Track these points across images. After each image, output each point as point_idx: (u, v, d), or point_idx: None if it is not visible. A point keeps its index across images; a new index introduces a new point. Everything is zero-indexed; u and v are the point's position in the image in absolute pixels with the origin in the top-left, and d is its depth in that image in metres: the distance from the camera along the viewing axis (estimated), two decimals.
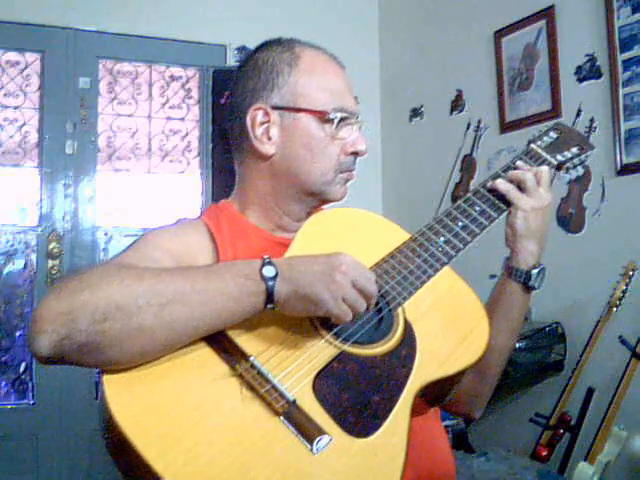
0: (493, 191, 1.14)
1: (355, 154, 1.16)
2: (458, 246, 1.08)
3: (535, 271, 1.14)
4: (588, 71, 2.72)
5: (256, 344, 0.92)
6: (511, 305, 1.15)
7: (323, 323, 0.96)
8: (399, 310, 1.01)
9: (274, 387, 0.87)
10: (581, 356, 2.46)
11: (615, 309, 2.41)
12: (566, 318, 2.68)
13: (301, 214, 1.15)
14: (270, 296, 0.90)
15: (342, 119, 1.13)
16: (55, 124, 3.28)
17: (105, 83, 3.44)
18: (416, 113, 3.65)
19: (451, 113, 3.42)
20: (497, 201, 1.13)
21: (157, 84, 3.54)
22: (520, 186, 1.14)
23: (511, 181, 1.15)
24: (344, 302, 0.90)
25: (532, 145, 1.22)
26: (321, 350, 0.93)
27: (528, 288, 1.15)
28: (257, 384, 0.87)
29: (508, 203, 1.13)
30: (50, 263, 3.21)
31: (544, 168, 1.16)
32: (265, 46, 1.17)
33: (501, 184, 1.14)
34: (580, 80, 2.75)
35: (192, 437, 0.82)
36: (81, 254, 3.28)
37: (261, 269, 0.90)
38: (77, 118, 3.31)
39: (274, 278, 0.90)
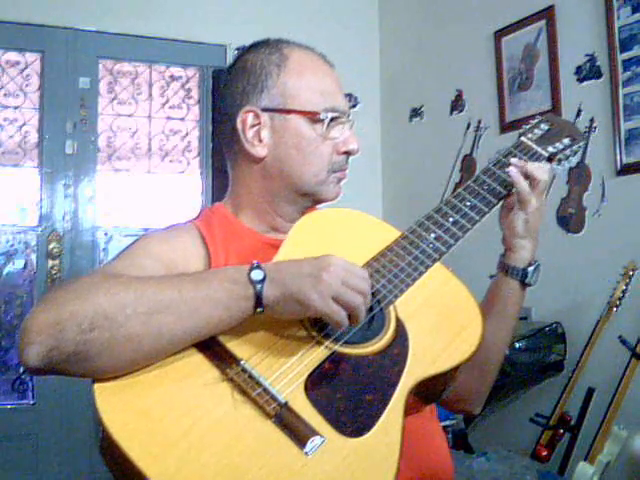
0: (484, 185, 1.13)
1: (347, 153, 1.16)
2: (449, 242, 1.07)
3: (531, 268, 1.14)
4: (588, 71, 2.71)
5: (247, 348, 0.92)
6: (508, 302, 1.16)
7: (314, 324, 0.95)
8: (390, 308, 1.00)
9: (265, 390, 0.87)
10: (581, 356, 2.46)
11: (615, 309, 2.40)
12: (566, 318, 2.68)
13: (294, 215, 1.15)
14: (259, 300, 0.89)
15: (333, 119, 1.13)
16: (55, 124, 3.28)
17: (105, 83, 3.44)
18: (416, 113, 3.64)
19: (451, 113, 3.42)
20: (488, 195, 1.12)
21: (157, 84, 3.55)
22: (532, 183, 1.12)
23: (525, 175, 1.12)
24: (335, 301, 0.90)
25: (522, 138, 1.21)
26: (313, 351, 0.93)
27: (524, 285, 1.15)
28: (248, 388, 0.87)
29: (499, 197, 1.12)
30: (50, 263, 3.21)
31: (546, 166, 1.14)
32: (253, 48, 1.17)
33: (521, 183, 1.10)
34: (580, 80, 2.74)
35: (184, 442, 0.82)
36: (81, 254, 3.28)
37: (249, 273, 0.90)
38: (77, 118, 3.32)
39: (262, 281, 0.89)
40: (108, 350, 0.84)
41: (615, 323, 2.41)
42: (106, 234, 3.36)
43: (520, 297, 1.16)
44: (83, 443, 3.10)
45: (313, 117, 1.11)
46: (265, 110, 1.12)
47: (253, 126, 1.13)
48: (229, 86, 1.16)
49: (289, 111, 1.11)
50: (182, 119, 3.58)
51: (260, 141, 1.13)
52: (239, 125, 1.13)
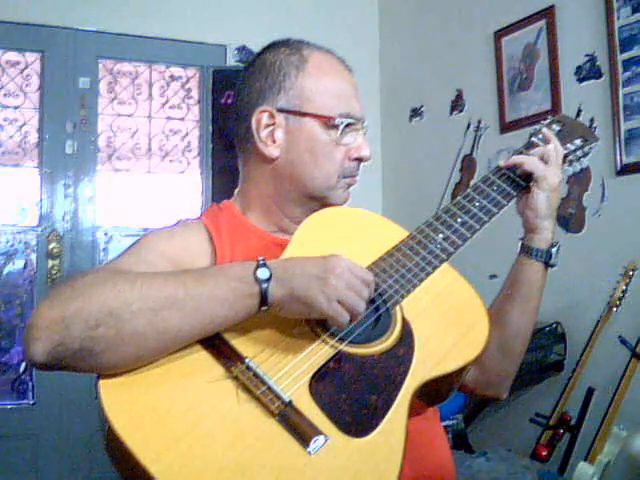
0: (493, 186, 1.14)
1: (359, 160, 1.16)
2: (457, 243, 1.07)
3: (554, 249, 1.15)
4: (588, 71, 2.71)
5: (252, 346, 0.92)
6: (533, 284, 1.16)
7: (319, 323, 0.95)
8: (397, 308, 1.00)
9: (270, 388, 0.87)
10: (581, 356, 2.46)
11: (615, 309, 2.40)
12: (566, 318, 2.68)
13: (302, 217, 1.14)
14: (264, 298, 0.90)
15: (348, 124, 1.12)
16: (55, 124, 3.28)
17: (105, 83, 3.44)
18: (416, 113, 3.64)
19: (451, 113, 3.42)
20: (498, 196, 1.13)
21: (157, 84, 3.54)
22: (542, 158, 1.14)
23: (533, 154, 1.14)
24: (339, 304, 0.90)
25: (534, 138, 1.21)
26: (318, 350, 0.93)
27: (547, 266, 1.15)
28: (253, 386, 0.87)
29: (509, 198, 1.13)
30: (50, 263, 3.21)
31: (558, 147, 1.15)
32: (273, 47, 1.17)
33: (528, 162, 1.13)
34: (580, 80, 2.74)
35: (188, 439, 0.82)
36: (81, 254, 3.28)
37: (255, 271, 0.90)
38: (77, 118, 3.31)
39: (268, 280, 0.90)
40: (114, 346, 0.84)
41: (615, 323, 2.41)
42: (106, 234, 3.36)
43: (544, 279, 1.16)
44: (83, 443, 3.09)
45: (328, 122, 1.11)
46: (281, 111, 1.12)
47: (267, 126, 1.12)
48: (246, 84, 1.16)
49: (305, 114, 1.11)
50: (182, 119, 3.58)
51: (273, 142, 1.13)
52: (254, 124, 1.13)
